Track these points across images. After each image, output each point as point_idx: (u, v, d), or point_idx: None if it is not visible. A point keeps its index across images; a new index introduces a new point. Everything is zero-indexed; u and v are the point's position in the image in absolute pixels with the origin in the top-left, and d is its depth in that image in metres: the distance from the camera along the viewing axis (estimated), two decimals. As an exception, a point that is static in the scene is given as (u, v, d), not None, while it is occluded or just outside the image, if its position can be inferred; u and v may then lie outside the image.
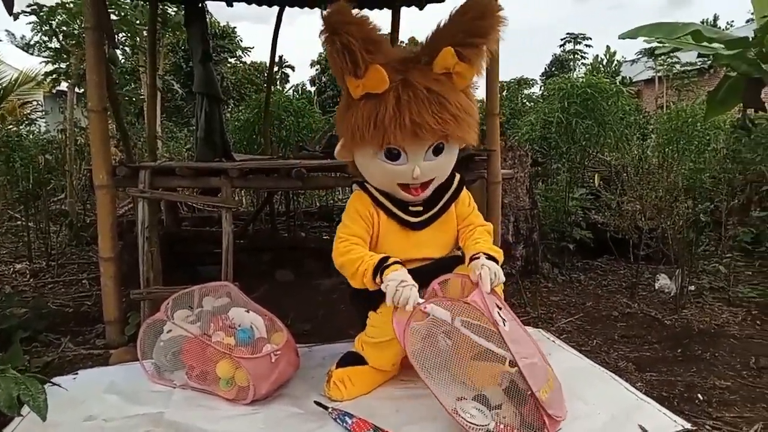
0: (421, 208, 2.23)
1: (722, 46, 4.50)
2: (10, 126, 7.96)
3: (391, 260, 2.01)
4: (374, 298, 2.07)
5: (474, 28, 1.99)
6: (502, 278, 2.04)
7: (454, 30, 2.00)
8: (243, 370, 2.11)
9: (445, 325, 1.92)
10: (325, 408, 2.06)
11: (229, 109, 8.43)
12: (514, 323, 2.00)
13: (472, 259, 2.07)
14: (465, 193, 2.35)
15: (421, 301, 1.92)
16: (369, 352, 2.24)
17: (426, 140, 2.03)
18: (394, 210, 2.21)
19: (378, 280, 1.98)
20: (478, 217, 2.34)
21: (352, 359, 2.27)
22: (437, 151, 2.10)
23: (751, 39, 4.62)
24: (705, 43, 4.68)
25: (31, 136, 7.22)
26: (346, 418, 1.95)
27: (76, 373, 2.46)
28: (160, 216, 4.57)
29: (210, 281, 2.53)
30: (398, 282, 1.91)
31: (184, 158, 7.25)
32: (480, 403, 1.89)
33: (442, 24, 2.04)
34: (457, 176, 2.34)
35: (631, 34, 5.49)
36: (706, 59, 12.33)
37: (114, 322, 2.80)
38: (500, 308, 1.96)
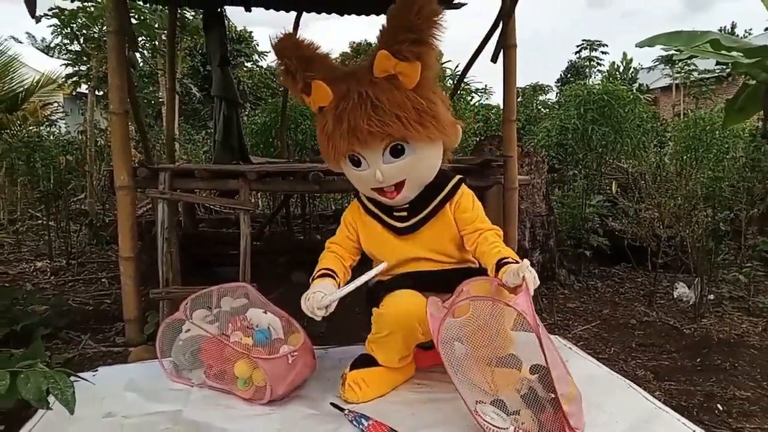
0: (405, 214, 2.24)
1: (741, 54, 4.47)
2: (31, 127, 8.10)
3: (321, 272, 2.24)
4: (376, 296, 2.14)
5: (404, 25, 1.96)
6: (538, 283, 2.03)
7: (387, 33, 2.01)
8: (260, 371, 2.12)
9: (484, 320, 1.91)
10: (341, 410, 2.07)
11: (246, 113, 8.47)
12: (544, 330, 2.00)
13: (500, 264, 2.02)
14: (465, 197, 2.28)
15: (330, 298, 2.08)
16: (376, 350, 2.25)
17: (371, 144, 2.04)
18: (381, 215, 2.27)
19: None
20: (484, 221, 2.25)
21: (365, 361, 2.27)
22: (397, 153, 2.08)
23: (772, 47, 4.58)
24: (723, 52, 4.66)
25: (51, 137, 7.34)
26: (362, 420, 1.95)
27: (96, 370, 2.49)
28: (178, 217, 4.64)
29: (228, 282, 2.56)
30: (309, 293, 2.10)
31: (201, 160, 7.31)
32: (497, 407, 1.88)
33: (380, 31, 2.06)
34: (455, 178, 2.29)
35: (649, 42, 5.47)
36: (724, 67, 12.22)
37: (133, 320, 2.84)
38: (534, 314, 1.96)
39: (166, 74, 4.87)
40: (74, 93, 7.67)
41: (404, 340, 2.15)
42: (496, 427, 1.80)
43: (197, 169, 2.98)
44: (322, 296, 2.07)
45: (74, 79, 6.24)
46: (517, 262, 2.01)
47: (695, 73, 17.36)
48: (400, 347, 2.18)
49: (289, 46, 2.07)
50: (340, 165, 2.21)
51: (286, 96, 5.64)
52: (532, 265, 3.60)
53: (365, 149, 2.06)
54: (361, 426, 1.94)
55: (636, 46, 5.44)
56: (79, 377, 2.08)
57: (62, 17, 5.86)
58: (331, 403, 2.13)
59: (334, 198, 7.00)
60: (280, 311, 2.41)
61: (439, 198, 2.24)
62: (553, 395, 1.86)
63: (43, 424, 1.99)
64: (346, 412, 2.04)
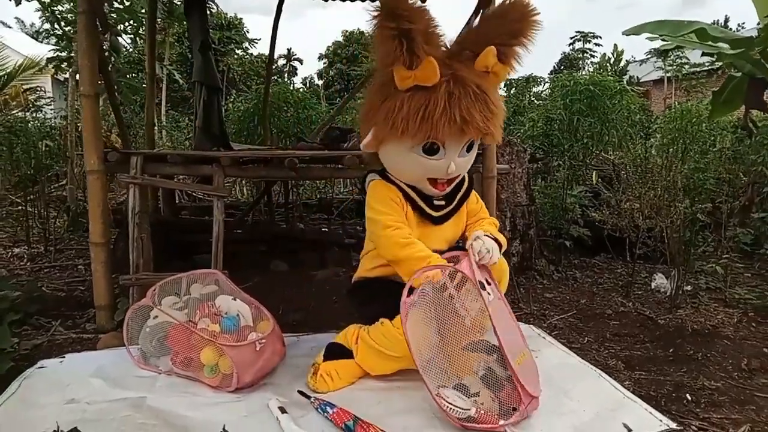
0: (444, 203, 2.23)
1: (727, 45, 4.45)
2: (16, 111, 8.00)
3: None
4: (392, 308, 2.02)
5: (514, 30, 1.99)
6: (495, 258, 2.05)
7: (495, 31, 1.99)
8: (227, 358, 2.09)
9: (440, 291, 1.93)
10: (308, 398, 2.05)
11: (231, 100, 8.40)
12: (501, 303, 2.01)
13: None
14: (472, 190, 2.37)
15: None
16: (367, 355, 2.18)
17: (469, 136, 2.03)
18: (421, 204, 2.19)
19: None
20: (486, 212, 2.37)
21: (339, 351, 2.24)
22: (470, 147, 2.11)
23: (755, 39, 4.57)
24: (710, 42, 4.64)
25: (36, 123, 7.24)
26: (327, 408, 1.93)
27: (63, 357, 2.46)
28: (157, 204, 4.59)
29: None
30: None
31: (186, 148, 7.24)
32: (459, 391, 1.88)
33: (478, 23, 2.05)
34: (466, 175, 2.35)
35: (636, 31, 5.43)
36: (714, 59, 12.22)
37: (104, 307, 2.80)
38: (489, 283, 1.98)
39: (146, 59, 4.79)
40: (61, 78, 7.57)
41: (407, 364, 2.08)
42: (458, 408, 1.80)
43: (170, 154, 2.94)
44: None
45: (55, 63, 6.15)
46: (495, 240, 2.09)
47: (687, 66, 17.39)
48: (397, 368, 2.14)
49: (412, 10, 1.87)
50: (393, 147, 2.09)
51: (269, 81, 5.58)
52: (512, 255, 3.62)
53: (457, 140, 2.03)
54: (325, 413, 1.93)
55: (623, 34, 5.39)
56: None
57: (43, 1, 5.76)
58: (299, 391, 2.11)
59: (318, 187, 6.96)
60: (249, 298, 2.38)
61: (462, 192, 2.28)
62: (509, 372, 1.89)
63: (4, 411, 1.96)
64: (312, 399, 2.03)
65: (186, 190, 5.68)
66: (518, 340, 2.06)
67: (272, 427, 1.85)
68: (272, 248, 4.45)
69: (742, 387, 2.22)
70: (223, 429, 1.48)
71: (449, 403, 1.82)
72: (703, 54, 5.25)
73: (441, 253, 2.19)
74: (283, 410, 1.94)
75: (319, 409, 1.96)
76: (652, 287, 3.58)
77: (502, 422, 1.82)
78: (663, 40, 4.92)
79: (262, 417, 1.95)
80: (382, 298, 2.06)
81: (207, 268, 2.61)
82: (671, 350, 2.62)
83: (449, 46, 2.05)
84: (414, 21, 1.84)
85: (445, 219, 2.25)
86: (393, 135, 2.01)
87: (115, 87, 4.55)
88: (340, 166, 3.11)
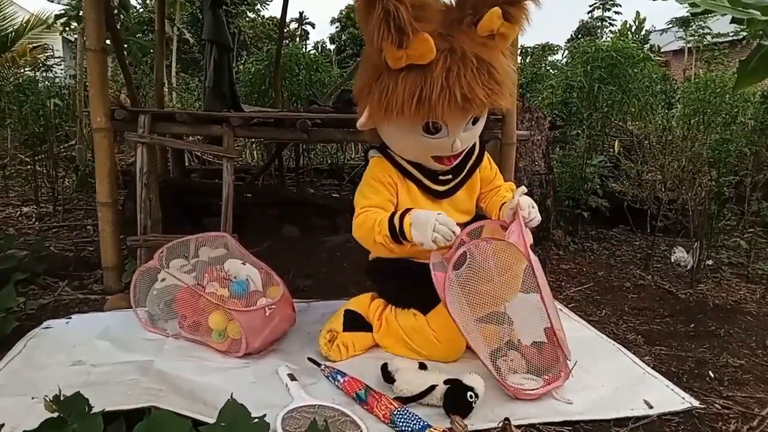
0: (450, 176, 2.13)
1: (758, 12, 4.25)
2: (25, 70, 7.89)
3: (403, 210, 1.90)
4: (415, 291, 1.97)
5: None
6: (539, 218, 1.98)
7: None
8: (235, 323, 2.04)
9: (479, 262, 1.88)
10: (318, 365, 2.00)
11: (242, 61, 8.24)
12: (539, 266, 1.98)
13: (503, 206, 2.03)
14: (486, 156, 2.27)
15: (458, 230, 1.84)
16: (391, 340, 2.12)
17: (473, 112, 1.90)
18: (424, 181, 2.09)
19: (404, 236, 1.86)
20: (500, 178, 2.27)
21: (359, 323, 2.17)
22: (475, 120, 1.99)
23: (791, 4, 4.36)
24: (741, 9, 4.44)
25: (46, 82, 7.15)
26: (338, 377, 1.88)
27: (70, 317, 2.42)
28: (167, 166, 4.51)
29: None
30: (428, 219, 1.79)
31: (196, 110, 7.13)
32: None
33: None
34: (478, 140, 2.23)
35: (662, -5, 5.21)
36: (738, 29, 11.84)
37: (112, 268, 2.75)
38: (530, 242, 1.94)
39: (156, 16, 4.66)
40: (72, 38, 7.43)
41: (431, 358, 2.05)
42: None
43: (178, 112, 2.85)
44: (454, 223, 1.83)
45: (64, 20, 6.02)
46: None
47: (709, 37, 16.87)
48: (421, 359, 2.04)
49: None
50: (391, 128, 1.97)
51: (281, 43, 5.43)
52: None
53: (462, 118, 1.90)
54: (336, 382, 1.88)
55: None
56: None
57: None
58: (309, 358, 2.06)
59: (329, 152, 6.85)
60: (259, 263, 2.32)
61: (473, 159, 2.18)
62: (550, 335, 1.90)
63: (9, 370, 1.92)
64: (322, 367, 1.98)
65: (196, 153, 5.60)
66: (554, 306, 2.00)
67: (281, 394, 1.81)
68: (283, 213, 4.38)
69: (767, 365, 2.14)
70: (231, 397, 1.42)
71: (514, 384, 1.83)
72: (732, 21, 5.02)
73: (462, 226, 2.11)
74: (292, 377, 1.89)
75: (330, 377, 1.91)
76: (672, 261, 3.48)
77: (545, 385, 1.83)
78: (692, 5, 4.73)
79: (270, 383, 1.90)
80: (403, 279, 1.98)
81: (216, 231, 2.55)
82: (692, 325, 2.53)
83: (447, 10, 1.87)
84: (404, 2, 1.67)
85: (455, 190, 2.15)
86: (388, 117, 1.88)
87: (125, 45, 4.45)
88: (352, 129, 3.00)
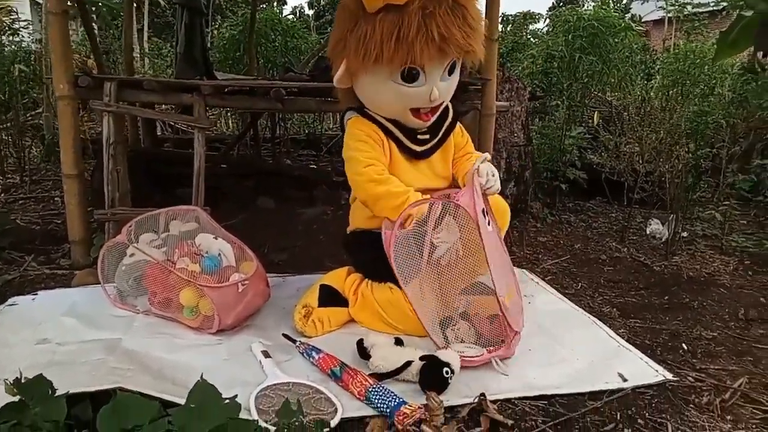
0: (428, 136, 2.10)
1: (741, -19, 4.22)
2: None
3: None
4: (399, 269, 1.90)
5: None
6: (498, 186, 1.97)
7: None
8: (207, 299, 1.99)
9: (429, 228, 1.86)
10: (293, 341, 1.97)
11: (216, 26, 7.98)
12: (495, 236, 1.95)
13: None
14: (458, 122, 2.25)
15: None
16: (366, 314, 2.11)
17: (449, 57, 1.89)
18: (403, 139, 2.06)
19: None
20: (471, 145, 2.26)
21: (335, 298, 2.14)
22: (451, 70, 1.98)
23: (772, -26, 4.33)
24: (724, -23, 4.39)
25: (12, 47, 6.85)
26: (313, 353, 1.85)
27: (36, 293, 2.35)
28: (138, 135, 4.38)
29: (187, 205, 2.40)
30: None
31: (168, 77, 6.92)
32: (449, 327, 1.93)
33: None
34: (450, 104, 2.20)
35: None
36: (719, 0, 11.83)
37: (79, 242, 2.67)
38: (486, 214, 1.89)
39: (125, -24, 4.45)
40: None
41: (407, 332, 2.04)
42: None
43: (146, 80, 2.74)
44: None
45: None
46: None
47: (689, 7, 16.85)
48: (396, 332, 2.02)
49: None
50: (369, 79, 1.93)
51: (255, 7, 5.25)
52: (506, 197, 3.49)
53: (437, 62, 1.88)
54: (311, 359, 1.85)
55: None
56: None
57: None
58: (284, 334, 2.03)
59: (306, 122, 6.72)
60: (232, 237, 2.26)
61: (447, 122, 2.16)
62: (497, 306, 1.85)
63: (-29, 348, 1.86)
64: (297, 344, 1.94)
65: (168, 122, 5.45)
66: (509, 276, 1.99)
67: (254, 372, 1.77)
68: (258, 184, 4.29)
69: (740, 337, 2.16)
70: (201, 377, 1.38)
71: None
72: (716, -11, 5.01)
73: (435, 191, 2.07)
74: (266, 354, 1.86)
75: (305, 354, 1.88)
76: (647, 233, 3.49)
77: (486, 354, 1.83)
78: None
79: (244, 360, 1.87)
80: (380, 251, 1.93)
81: (189, 201, 2.47)
82: (666, 298, 2.55)
83: None
84: None
85: (431, 152, 2.13)
86: (366, 64, 1.85)
87: (92, 9, 4.25)
88: (329, 99, 2.92)
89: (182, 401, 1.44)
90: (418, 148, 2.08)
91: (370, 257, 2.08)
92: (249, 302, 2.10)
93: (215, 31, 7.18)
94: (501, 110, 3.15)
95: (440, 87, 1.95)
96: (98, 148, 4.18)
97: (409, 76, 1.89)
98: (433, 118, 2.05)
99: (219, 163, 4.45)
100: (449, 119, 2.17)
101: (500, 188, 2.00)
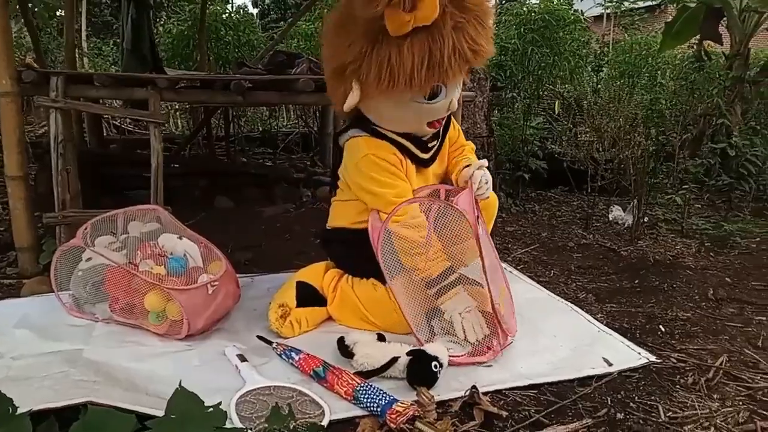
0: (435, 142, 2.01)
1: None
2: None
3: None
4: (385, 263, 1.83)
5: None
6: (488, 195, 1.93)
7: None
8: (175, 303, 1.87)
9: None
10: (269, 343, 1.87)
11: (161, 22, 7.70)
12: (487, 238, 1.93)
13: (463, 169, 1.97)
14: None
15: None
16: (346, 311, 2.02)
17: (475, 66, 1.82)
18: (415, 151, 1.95)
19: None
20: (463, 137, 2.17)
21: (314, 297, 2.04)
22: None
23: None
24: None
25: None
26: (293, 354, 1.76)
27: (-18, 306, 2.16)
28: (83, 135, 4.15)
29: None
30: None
31: (112, 75, 6.63)
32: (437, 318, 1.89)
33: None
34: None
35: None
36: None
37: (27, 248, 2.48)
38: (478, 217, 1.87)
39: (63, -30, 4.21)
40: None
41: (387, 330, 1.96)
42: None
43: (97, 74, 2.57)
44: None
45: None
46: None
47: (627, 3, 17.42)
48: (376, 330, 1.94)
49: None
50: (389, 101, 1.77)
51: (206, 2, 5.07)
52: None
53: (462, 75, 1.78)
54: (291, 360, 1.76)
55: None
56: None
57: None
58: (258, 336, 1.93)
59: (261, 119, 6.55)
60: (197, 236, 2.14)
61: (443, 124, 2.04)
62: (490, 311, 1.83)
63: None
64: (274, 345, 1.85)
65: (114, 122, 5.20)
66: (500, 278, 1.96)
67: (230, 377, 1.67)
68: (214, 184, 4.14)
69: (713, 317, 2.19)
70: (180, 385, 1.28)
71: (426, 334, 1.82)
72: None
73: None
74: (242, 358, 1.76)
75: (284, 356, 1.79)
76: (610, 219, 3.55)
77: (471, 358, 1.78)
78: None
79: (217, 366, 1.76)
80: (364, 247, 1.86)
81: (142, 203, 2.31)
82: (637, 281, 2.58)
83: None
84: None
85: (435, 157, 2.05)
86: (393, 89, 1.69)
87: (29, 4, 4.00)
88: (290, 91, 2.82)
89: (159, 413, 1.34)
90: (427, 156, 1.99)
91: (354, 254, 1.99)
92: (219, 304, 1.98)
93: (160, 27, 6.92)
94: (467, 100, 3.12)
95: (455, 96, 1.86)
96: (40, 152, 3.96)
97: (433, 94, 1.78)
98: (443, 124, 1.98)
99: (171, 163, 4.27)
100: (444, 123, 2.08)
101: (489, 195, 1.98)
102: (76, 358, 1.72)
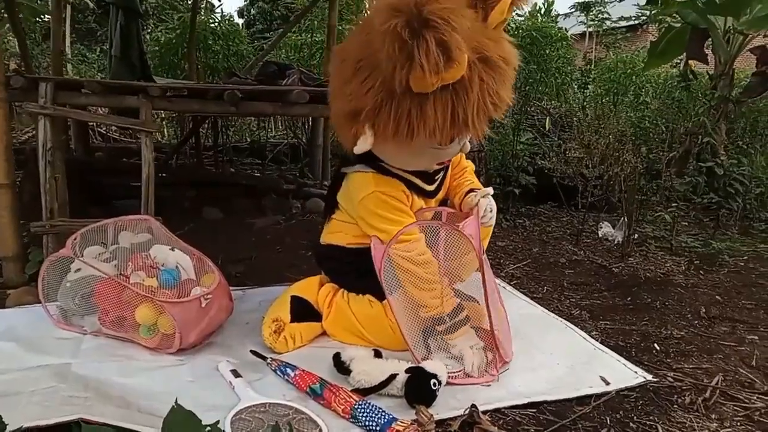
0: (441, 174, 2.01)
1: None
2: None
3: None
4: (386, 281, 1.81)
5: None
6: (492, 223, 1.95)
7: None
8: (167, 316, 1.82)
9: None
10: (263, 358, 1.83)
11: (149, 31, 7.64)
12: (487, 266, 1.91)
13: (467, 193, 1.97)
14: None
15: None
16: (340, 328, 1.99)
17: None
18: (420, 184, 1.93)
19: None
20: (463, 157, 2.12)
21: (308, 312, 2.01)
22: None
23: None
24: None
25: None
26: (288, 370, 1.73)
27: (-36, 317, 2.09)
28: (68, 143, 4.08)
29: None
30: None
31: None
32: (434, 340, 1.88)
33: None
34: None
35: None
36: (640, 14, 12.52)
37: (12, 258, 2.41)
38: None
39: (52, -25, 4.14)
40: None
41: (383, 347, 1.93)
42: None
43: (86, 81, 2.52)
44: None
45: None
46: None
47: (608, 22, 17.74)
48: (371, 346, 1.91)
49: (453, 13, 1.43)
50: (403, 148, 1.72)
51: (196, 11, 5.04)
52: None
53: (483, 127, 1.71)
54: (286, 376, 1.72)
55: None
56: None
57: None
58: (252, 351, 1.89)
59: (249, 129, 6.50)
60: (190, 248, 2.10)
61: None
62: (484, 326, 1.85)
63: None
64: (268, 361, 1.81)
65: (100, 129, 5.13)
66: (497, 303, 1.94)
67: (225, 394, 1.63)
68: (202, 194, 4.09)
69: (706, 335, 2.20)
70: (176, 402, 1.24)
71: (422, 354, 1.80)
72: (648, 2, 5.25)
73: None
74: (236, 373, 1.72)
75: (278, 372, 1.76)
76: (600, 235, 3.57)
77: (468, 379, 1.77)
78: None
79: (211, 382, 1.72)
80: (360, 263, 1.83)
81: (130, 213, 2.25)
82: (629, 299, 2.58)
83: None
84: (454, 27, 1.41)
85: (441, 187, 2.05)
86: (408, 141, 1.64)
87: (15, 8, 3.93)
88: (284, 102, 2.81)
89: (153, 430, 1.29)
90: (432, 188, 1.98)
91: (349, 270, 1.97)
92: (212, 318, 1.94)
93: (148, 36, 6.85)
94: (459, 115, 3.12)
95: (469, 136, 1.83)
96: (24, 159, 3.88)
97: (450, 141, 1.75)
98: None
99: (158, 173, 4.20)
100: None
101: (493, 222, 1.99)
102: (65, 372, 1.67)
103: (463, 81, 1.54)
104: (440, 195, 2.07)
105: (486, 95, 1.59)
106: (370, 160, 1.85)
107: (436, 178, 1.98)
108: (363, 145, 1.71)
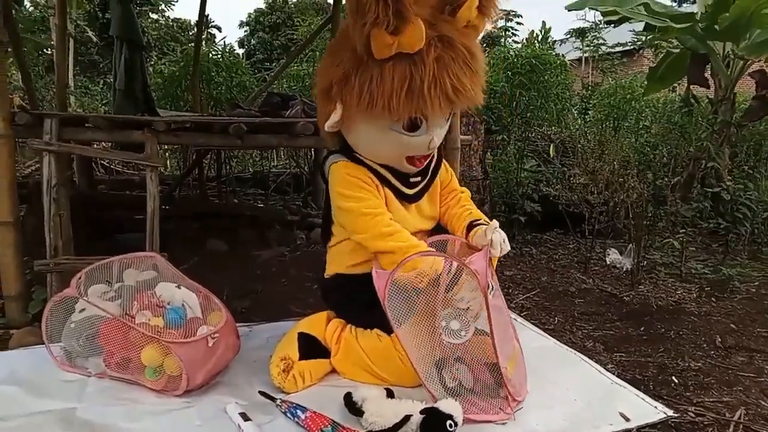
0: (419, 178, 1.99)
1: (668, 19, 4.47)
2: None
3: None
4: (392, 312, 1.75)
5: None
6: (505, 249, 1.88)
7: None
8: (174, 357, 1.78)
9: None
10: (273, 399, 1.78)
11: (152, 63, 7.70)
12: (499, 300, 1.85)
13: (471, 225, 1.92)
14: (442, 159, 2.16)
15: None
16: (350, 364, 1.94)
17: (456, 107, 1.81)
18: (397, 185, 1.94)
19: None
20: (456, 181, 2.15)
21: (317, 349, 1.96)
22: (448, 116, 1.89)
23: (699, 15, 4.61)
24: (655, 16, 4.65)
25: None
26: (298, 412, 1.67)
27: (-34, 359, 2.04)
28: (71, 176, 4.07)
29: (132, 251, 2.16)
30: None
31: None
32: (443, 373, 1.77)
33: None
34: None
35: (579, 6, 5.38)
36: (636, 40, 12.66)
37: (15, 297, 2.38)
38: (491, 275, 1.82)
39: (57, 12, 4.19)
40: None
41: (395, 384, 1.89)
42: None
43: (91, 116, 2.52)
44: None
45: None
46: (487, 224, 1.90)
47: (604, 47, 17.94)
48: (383, 384, 1.86)
49: None
50: (368, 127, 1.79)
51: (199, 43, 5.08)
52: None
53: (444, 113, 1.79)
54: (296, 419, 1.67)
55: (566, 9, 5.35)
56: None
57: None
58: (260, 392, 1.83)
59: (252, 159, 6.51)
60: (196, 285, 2.06)
61: (434, 163, 2.05)
62: (494, 361, 1.76)
63: None
64: (278, 402, 1.76)
65: (104, 162, 5.13)
66: (511, 339, 1.89)
67: (234, 438, 1.58)
68: (206, 226, 4.06)
69: (724, 366, 2.16)
70: (186, 452, 1.19)
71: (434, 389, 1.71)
72: (646, 28, 5.30)
73: (427, 233, 1.98)
74: (245, 417, 1.67)
75: (288, 414, 1.70)
76: (608, 263, 3.53)
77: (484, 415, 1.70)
78: (611, 13, 4.90)
79: (220, 425, 1.66)
80: (365, 296, 1.79)
81: (134, 249, 2.22)
82: (642, 329, 2.54)
83: None
84: None
85: (421, 195, 2.03)
86: (370, 113, 1.72)
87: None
88: (289, 134, 2.80)
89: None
90: (411, 192, 1.98)
91: (355, 304, 1.93)
92: (220, 358, 1.90)
93: (151, 68, 6.91)
94: (464, 143, 3.12)
95: (438, 134, 1.86)
96: (27, 192, 3.86)
97: (412, 126, 1.78)
98: (425, 163, 1.96)
99: (161, 205, 4.19)
100: (435, 159, 2.07)
101: (507, 248, 1.93)
102: (70, 418, 1.62)
103: (421, 53, 1.64)
104: (431, 211, 2.05)
105: (444, 73, 1.66)
106: (345, 151, 1.93)
107: (413, 181, 1.97)
108: (333, 117, 1.79)
